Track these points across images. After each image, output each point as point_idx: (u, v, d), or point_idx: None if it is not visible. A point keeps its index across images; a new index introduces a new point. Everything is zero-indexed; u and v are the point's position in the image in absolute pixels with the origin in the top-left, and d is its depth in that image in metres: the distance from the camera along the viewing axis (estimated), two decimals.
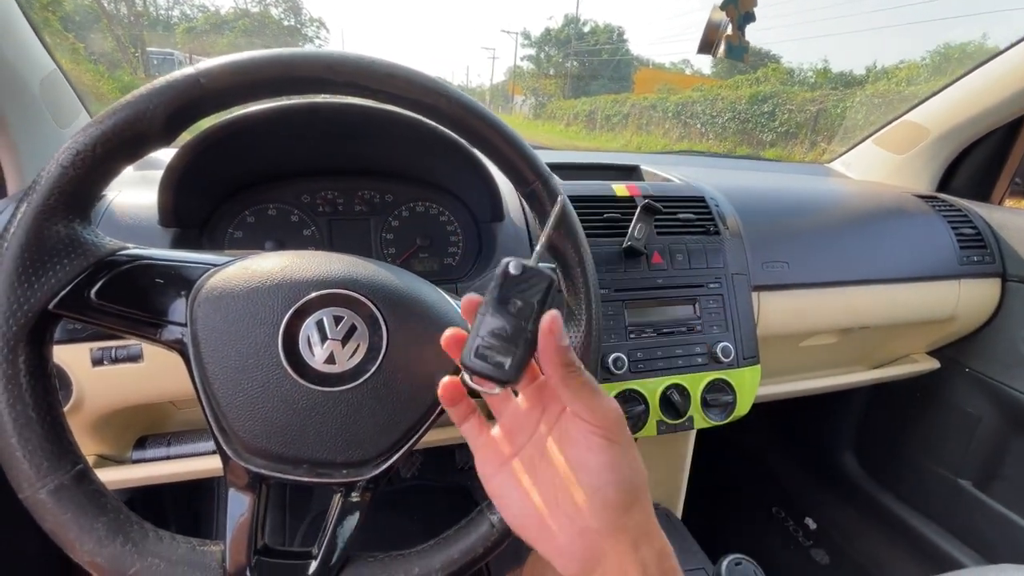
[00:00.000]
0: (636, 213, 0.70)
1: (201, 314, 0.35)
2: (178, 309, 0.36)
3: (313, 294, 0.36)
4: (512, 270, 0.31)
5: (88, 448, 0.64)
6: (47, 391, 0.33)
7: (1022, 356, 0.95)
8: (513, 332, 0.30)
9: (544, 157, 0.44)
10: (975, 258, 0.94)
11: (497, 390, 0.31)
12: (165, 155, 0.56)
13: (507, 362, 0.30)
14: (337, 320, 0.36)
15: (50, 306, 0.32)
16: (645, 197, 0.75)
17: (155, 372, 0.57)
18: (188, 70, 0.35)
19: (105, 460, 0.65)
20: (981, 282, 0.95)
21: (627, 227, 0.70)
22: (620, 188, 0.76)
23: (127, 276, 0.35)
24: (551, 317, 0.30)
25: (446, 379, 0.35)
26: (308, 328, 0.36)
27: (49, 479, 0.32)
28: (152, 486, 0.66)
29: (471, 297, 0.32)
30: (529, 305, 0.30)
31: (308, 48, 0.39)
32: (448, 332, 0.33)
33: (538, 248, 0.32)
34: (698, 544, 0.79)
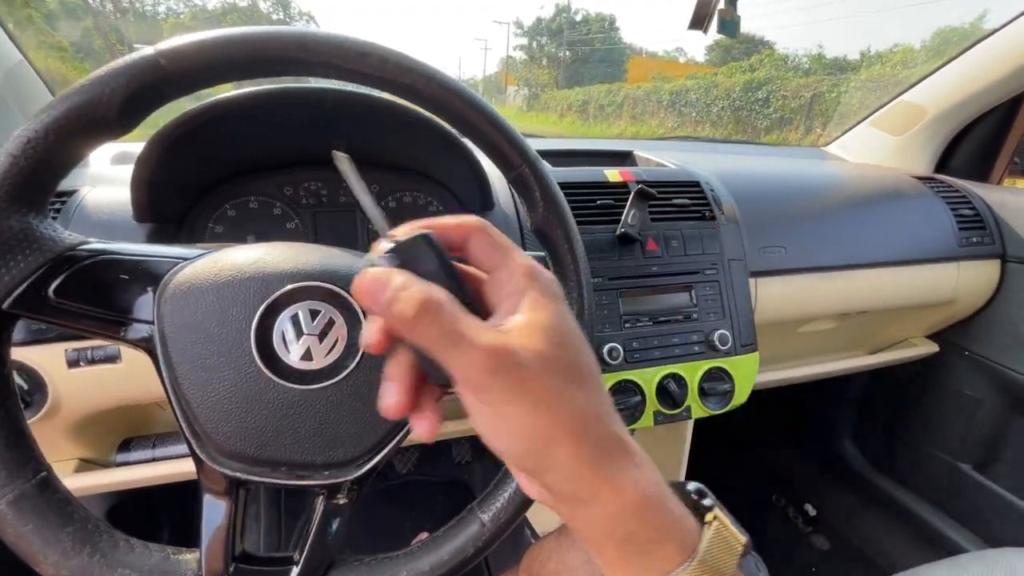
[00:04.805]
0: (629, 199, 0.68)
1: (168, 311, 0.33)
2: (144, 306, 0.34)
3: (287, 287, 0.34)
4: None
5: (70, 451, 0.63)
6: (5, 395, 0.31)
7: (1022, 338, 0.94)
8: None
9: (536, 144, 0.43)
10: (974, 239, 0.93)
11: None
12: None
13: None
14: (313, 314, 0.34)
15: (4, 305, 0.30)
16: (639, 182, 0.73)
17: (134, 373, 0.55)
18: (147, 50, 0.32)
19: (88, 464, 0.63)
20: (981, 263, 0.94)
21: (620, 214, 0.68)
22: (613, 174, 0.74)
23: (89, 272, 0.33)
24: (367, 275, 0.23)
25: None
26: (282, 323, 0.34)
27: (8, 488, 0.30)
28: (142, 489, 0.65)
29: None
30: None
31: (279, 26, 0.36)
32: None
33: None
34: None
